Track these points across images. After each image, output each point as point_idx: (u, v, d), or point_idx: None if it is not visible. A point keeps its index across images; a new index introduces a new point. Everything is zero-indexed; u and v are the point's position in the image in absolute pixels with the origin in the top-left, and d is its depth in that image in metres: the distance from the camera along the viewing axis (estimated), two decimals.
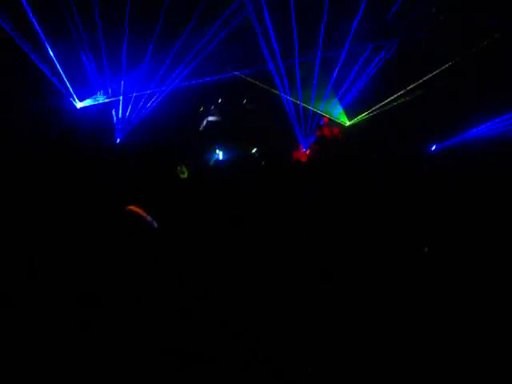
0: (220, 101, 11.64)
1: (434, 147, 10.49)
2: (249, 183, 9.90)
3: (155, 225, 6.20)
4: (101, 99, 10.66)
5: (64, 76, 10.04)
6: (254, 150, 11.30)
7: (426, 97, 10.67)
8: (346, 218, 8.63)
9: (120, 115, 10.94)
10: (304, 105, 11.01)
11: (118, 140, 10.90)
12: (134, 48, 10.07)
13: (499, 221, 8.14)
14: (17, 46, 9.11)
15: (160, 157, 10.40)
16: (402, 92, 10.64)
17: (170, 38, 10.26)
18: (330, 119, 11.31)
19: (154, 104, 10.98)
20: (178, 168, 9.42)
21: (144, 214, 6.18)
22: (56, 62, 9.79)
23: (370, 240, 7.93)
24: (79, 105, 10.54)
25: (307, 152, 11.26)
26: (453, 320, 5.69)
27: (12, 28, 9.00)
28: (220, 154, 11.12)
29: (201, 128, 11.61)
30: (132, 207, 6.35)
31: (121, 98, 10.70)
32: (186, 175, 9.34)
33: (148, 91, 10.84)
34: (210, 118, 11.58)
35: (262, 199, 9.04)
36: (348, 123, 11.25)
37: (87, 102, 10.60)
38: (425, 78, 10.47)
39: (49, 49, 9.62)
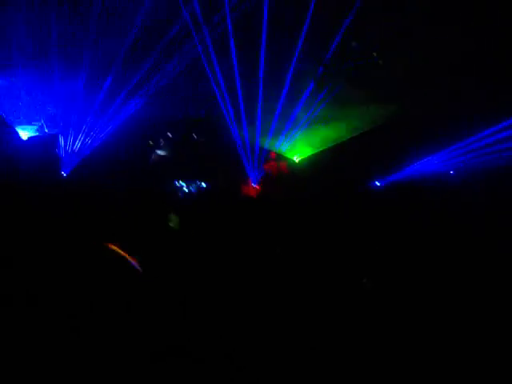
0: (169, 135, 11.67)
1: (378, 183, 10.77)
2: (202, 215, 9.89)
3: (138, 267, 6.02)
4: (48, 130, 10.51)
5: (8, 105, 9.92)
6: (203, 185, 11.30)
7: (371, 133, 11.05)
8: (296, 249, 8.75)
9: (68, 147, 10.79)
10: (252, 140, 11.21)
11: (64, 174, 10.70)
12: (84, 79, 10.10)
13: (441, 253, 8.36)
14: None
15: (109, 192, 10.26)
16: (349, 127, 11.02)
17: (121, 72, 10.35)
18: (277, 154, 11.50)
19: (103, 137, 10.91)
20: (169, 216, 9.26)
21: (126, 256, 6.01)
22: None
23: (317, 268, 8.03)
24: (24, 135, 10.36)
25: (256, 187, 11.33)
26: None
27: None
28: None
29: (150, 162, 11.56)
30: (112, 246, 6.17)
31: (66, 130, 10.58)
32: (174, 224, 9.21)
33: (94, 124, 10.77)
34: (159, 152, 11.56)
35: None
36: (296, 158, 11.47)
37: (32, 133, 10.43)
38: (371, 113, 10.87)
39: None
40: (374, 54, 10.51)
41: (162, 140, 11.61)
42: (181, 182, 11.16)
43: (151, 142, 11.57)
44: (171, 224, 9.05)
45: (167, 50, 10.55)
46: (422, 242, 8.68)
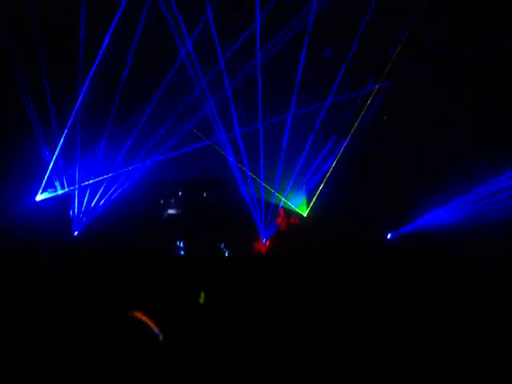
0: (180, 193, 11.87)
1: (389, 235, 10.53)
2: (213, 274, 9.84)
3: (160, 336, 6.03)
4: (59, 190, 10.82)
5: (20, 169, 10.34)
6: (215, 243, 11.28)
7: (380, 186, 10.98)
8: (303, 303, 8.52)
9: (82, 207, 11.03)
10: (260, 197, 11.30)
11: (76, 233, 10.88)
12: (90, 137, 10.54)
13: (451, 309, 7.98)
14: None
15: (121, 251, 10.33)
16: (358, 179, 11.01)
17: (126, 127, 10.81)
18: (285, 210, 11.48)
19: (114, 196, 11.16)
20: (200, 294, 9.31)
21: (150, 323, 6.04)
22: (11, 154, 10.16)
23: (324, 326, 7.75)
24: (38, 197, 10.70)
25: (267, 243, 11.25)
26: None
27: None
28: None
29: (161, 221, 11.69)
30: (137, 313, 6.20)
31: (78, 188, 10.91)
32: (202, 300, 9.24)
33: (105, 182, 11.08)
34: (170, 211, 11.71)
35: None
36: (305, 213, 11.40)
37: (45, 195, 10.75)
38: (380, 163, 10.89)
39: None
40: (378, 110, 10.68)
41: (172, 199, 11.80)
42: (189, 241, 11.17)
43: (162, 202, 11.76)
44: (200, 300, 9.00)
45: (179, 114, 11.06)
46: (434, 296, 8.33)
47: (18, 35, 9.70)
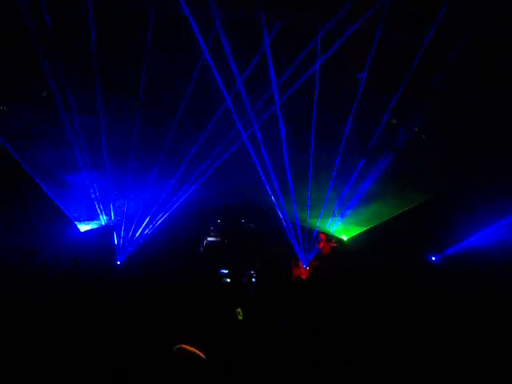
0: (219, 221, 11.97)
1: (433, 258, 10.31)
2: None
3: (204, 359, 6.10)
4: (103, 221, 11.09)
5: (67, 199, 10.65)
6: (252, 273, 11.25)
7: (423, 207, 10.81)
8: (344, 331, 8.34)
9: (128, 236, 11.25)
10: (301, 222, 11.27)
11: (119, 262, 11.06)
12: (135, 170, 10.81)
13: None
14: (22, 170, 9.87)
15: (161, 280, 10.42)
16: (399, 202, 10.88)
17: (171, 163, 11.02)
18: (326, 235, 11.40)
19: (155, 226, 11.35)
20: (237, 310, 9.38)
21: (197, 353, 6.10)
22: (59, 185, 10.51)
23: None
24: (82, 228, 10.99)
25: (307, 269, 11.17)
26: None
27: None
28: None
29: (201, 248, 11.79)
30: (184, 346, 6.27)
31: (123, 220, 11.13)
32: (241, 316, 9.28)
33: (148, 214, 11.29)
34: (210, 239, 11.80)
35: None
36: (345, 237, 11.32)
37: (90, 225, 11.03)
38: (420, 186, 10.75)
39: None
40: (415, 129, 10.61)
41: (212, 227, 11.92)
42: (230, 269, 11.16)
43: (201, 230, 11.88)
44: (239, 317, 8.98)
45: (219, 143, 11.24)
46: (483, 321, 8.05)
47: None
